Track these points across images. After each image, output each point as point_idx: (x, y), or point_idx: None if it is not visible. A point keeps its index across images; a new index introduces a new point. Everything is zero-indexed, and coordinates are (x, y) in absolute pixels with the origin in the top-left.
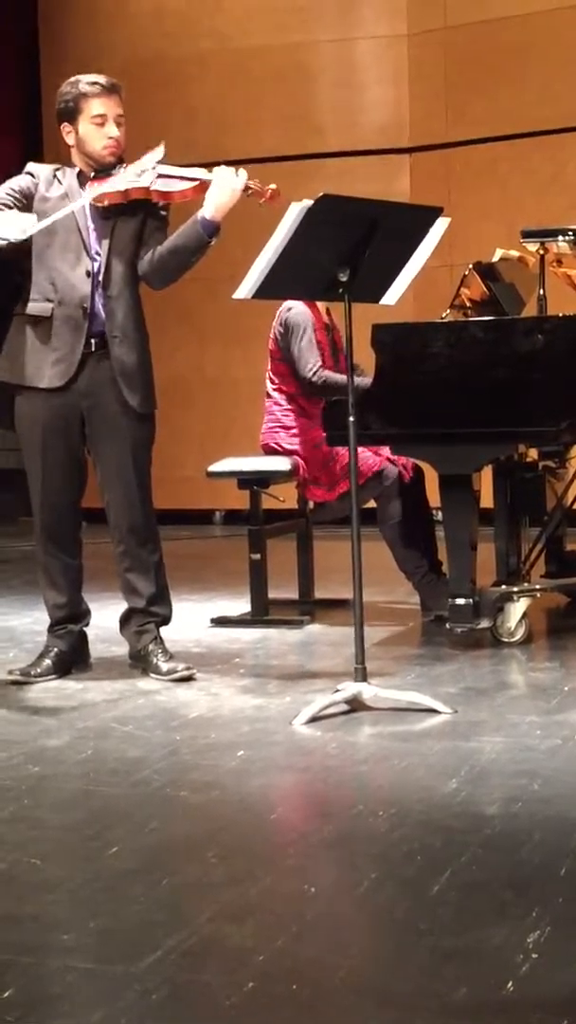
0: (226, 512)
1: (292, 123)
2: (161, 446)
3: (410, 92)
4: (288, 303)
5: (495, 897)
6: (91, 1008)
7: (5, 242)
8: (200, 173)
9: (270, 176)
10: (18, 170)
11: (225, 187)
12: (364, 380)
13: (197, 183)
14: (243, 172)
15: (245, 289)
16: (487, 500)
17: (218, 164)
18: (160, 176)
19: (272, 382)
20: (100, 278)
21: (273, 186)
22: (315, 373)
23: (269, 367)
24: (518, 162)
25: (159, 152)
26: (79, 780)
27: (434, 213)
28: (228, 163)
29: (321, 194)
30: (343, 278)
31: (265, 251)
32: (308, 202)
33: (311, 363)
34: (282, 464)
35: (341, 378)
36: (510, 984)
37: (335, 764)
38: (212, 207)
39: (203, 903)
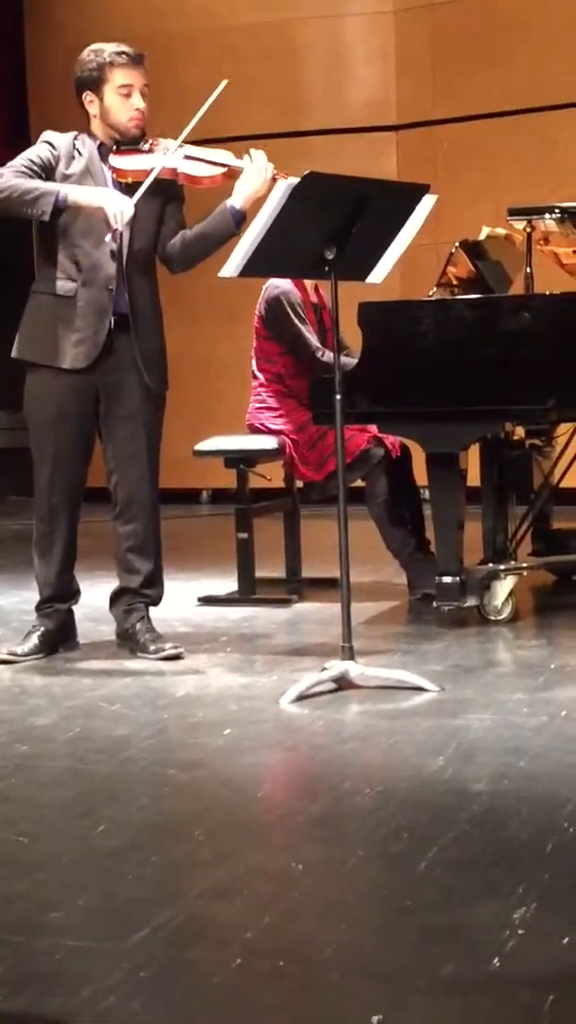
0: (213, 491)
1: (280, 101)
2: None
3: (396, 70)
4: (274, 281)
5: (482, 874)
6: (80, 985)
7: (113, 233)
8: (227, 158)
9: None
10: (6, 147)
11: (257, 178)
12: (351, 360)
13: (226, 169)
14: (270, 164)
15: (231, 267)
16: (474, 478)
17: (208, 141)
18: (187, 157)
19: (258, 361)
20: (123, 257)
21: (298, 179)
22: (323, 353)
23: (255, 345)
24: (505, 141)
25: (220, 87)
26: (67, 759)
27: (421, 190)
28: (218, 142)
29: (307, 172)
30: (329, 256)
31: (251, 229)
32: (295, 180)
33: (314, 344)
34: (269, 443)
35: (346, 359)
36: (496, 960)
37: (322, 742)
38: (243, 197)
39: (191, 881)
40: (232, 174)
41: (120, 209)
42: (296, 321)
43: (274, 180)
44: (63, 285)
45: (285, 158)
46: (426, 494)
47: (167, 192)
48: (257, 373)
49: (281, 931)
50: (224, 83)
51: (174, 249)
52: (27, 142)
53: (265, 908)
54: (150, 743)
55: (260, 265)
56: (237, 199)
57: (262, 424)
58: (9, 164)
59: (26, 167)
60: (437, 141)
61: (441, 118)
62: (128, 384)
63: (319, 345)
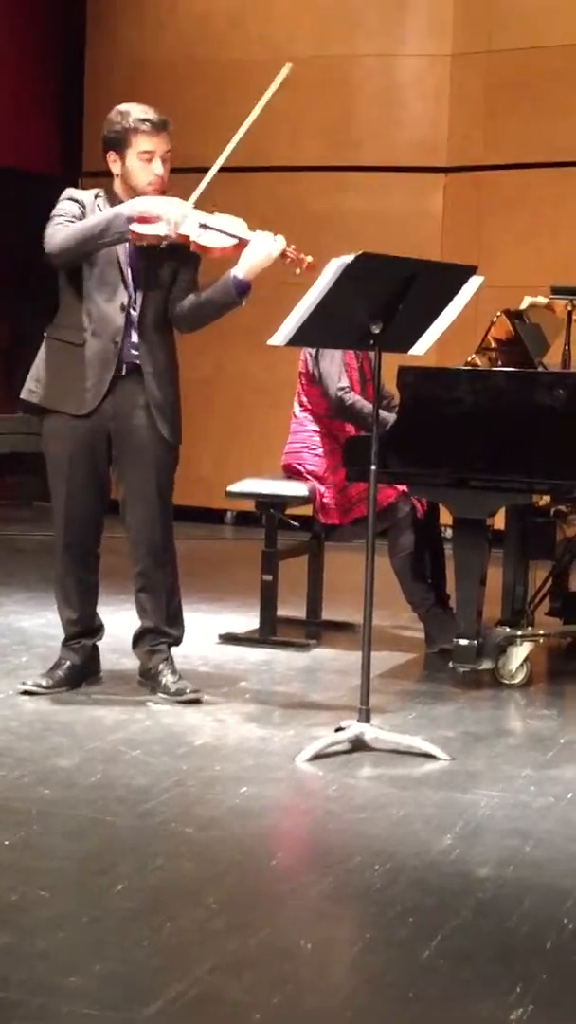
0: (237, 513)
1: (330, 135)
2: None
3: (449, 112)
4: None
5: (482, 969)
6: None
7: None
8: (240, 230)
9: (307, 184)
10: (58, 158)
11: (262, 251)
12: (391, 416)
13: (237, 241)
14: (281, 238)
15: (280, 337)
16: (499, 523)
17: (256, 169)
18: (202, 225)
19: (301, 404)
20: (134, 313)
21: (310, 258)
22: (345, 392)
23: (299, 388)
24: (551, 190)
25: (285, 71)
26: (87, 807)
27: (468, 272)
28: (266, 171)
29: (360, 252)
30: (376, 330)
31: (303, 302)
32: (348, 258)
33: (341, 382)
34: (299, 489)
35: (369, 406)
36: None
37: (335, 808)
38: (246, 268)
39: (204, 952)
40: (242, 246)
41: (177, 217)
42: (327, 363)
43: (283, 256)
44: (74, 335)
45: (332, 192)
46: (448, 533)
47: (181, 253)
48: (298, 414)
49: (289, 1014)
50: (288, 67)
51: (182, 311)
52: (79, 153)
53: (275, 987)
54: (168, 796)
55: (308, 336)
56: (241, 269)
57: (300, 464)
58: (55, 223)
59: (69, 221)
60: (483, 185)
61: (489, 163)
62: (139, 429)
63: (345, 386)
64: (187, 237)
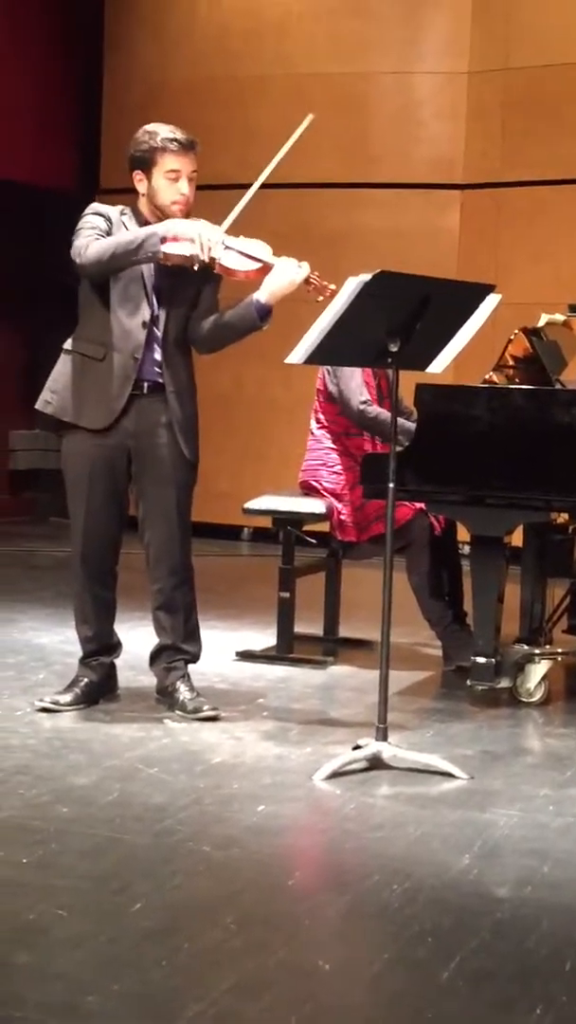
0: (254, 529)
1: (347, 151)
2: None
3: (466, 129)
4: None
5: (501, 990)
6: None
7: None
8: (265, 254)
9: (323, 201)
10: (75, 176)
11: (285, 277)
12: (411, 426)
13: (261, 266)
14: (305, 265)
15: (298, 355)
16: (516, 540)
17: (273, 186)
18: (227, 248)
19: (318, 421)
20: (156, 330)
21: (332, 286)
22: (367, 406)
23: (316, 406)
24: (568, 207)
25: (307, 121)
26: (105, 825)
27: (486, 290)
28: (284, 187)
29: (378, 270)
30: (393, 348)
31: (321, 320)
32: (366, 276)
33: (362, 395)
34: (317, 507)
35: (406, 423)
36: None
37: (352, 828)
38: (268, 292)
39: (222, 972)
40: (266, 270)
41: (208, 241)
42: (346, 380)
43: (307, 283)
44: (94, 349)
45: (349, 209)
46: (465, 550)
47: (204, 275)
48: (315, 431)
49: None
50: (309, 118)
51: (202, 332)
52: (97, 171)
53: (293, 1008)
54: (186, 814)
55: (326, 354)
56: (263, 294)
57: (317, 482)
58: (84, 235)
59: (99, 235)
60: (500, 202)
61: (506, 180)
62: (160, 447)
63: (367, 399)
64: (214, 259)
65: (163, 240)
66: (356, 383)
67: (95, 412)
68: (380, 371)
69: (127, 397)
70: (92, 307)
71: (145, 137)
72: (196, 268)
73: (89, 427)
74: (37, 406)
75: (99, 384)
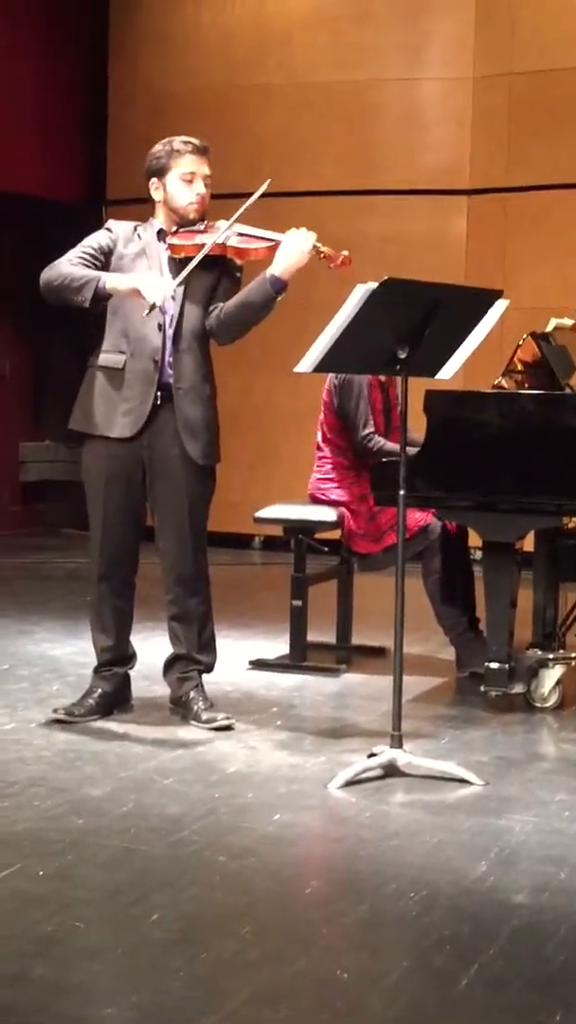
0: (265, 538)
1: (352, 159)
2: None
3: (472, 135)
4: None
5: (520, 997)
6: None
7: (151, 308)
8: (275, 235)
9: (329, 208)
10: (82, 187)
11: (294, 248)
12: (414, 451)
13: (272, 244)
14: (312, 233)
15: (306, 363)
16: (528, 544)
17: (278, 195)
18: (239, 235)
19: (324, 434)
20: (171, 331)
21: (345, 252)
22: (369, 439)
23: (322, 418)
24: (575, 211)
25: (264, 186)
26: (120, 836)
27: (494, 296)
28: (289, 195)
29: (386, 277)
30: (402, 355)
31: (328, 328)
32: (373, 284)
33: (366, 428)
34: (328, 514)
35: (393, 447)
36: None
37: (369, 836)
38: (281, 265)
39: (239, 982)
40: (276, 247)
41: (154, 286)
42: (351, 402)
43: (315, 250)
44: (113, 358)
45: (355, 215)
46: (477, 555)
47: (221, 270)
48: (322, 445)
49: None
50: (267, 183)
51: (220, 317)
52: (103, 182)
53: (311, 1017)
54: (201, 824)
55: (334, 362)
56: (276, 267)
57: (324, 495)
58: (69, 253)
59: (80, 257)
60: (507, 207)
61: (512, 185)
62: (171, 457)
63: (369, 432)
64: (223, 244)
65: (96, 292)
66: (361, 410)
67: (124, 420)
68: (389, 382)
69: (152, 403)
70: (105, 318)
71: (160, 147)
72: (204, 256)
73: (119, 436)
74: (70, 426)
75: (123, 393)
